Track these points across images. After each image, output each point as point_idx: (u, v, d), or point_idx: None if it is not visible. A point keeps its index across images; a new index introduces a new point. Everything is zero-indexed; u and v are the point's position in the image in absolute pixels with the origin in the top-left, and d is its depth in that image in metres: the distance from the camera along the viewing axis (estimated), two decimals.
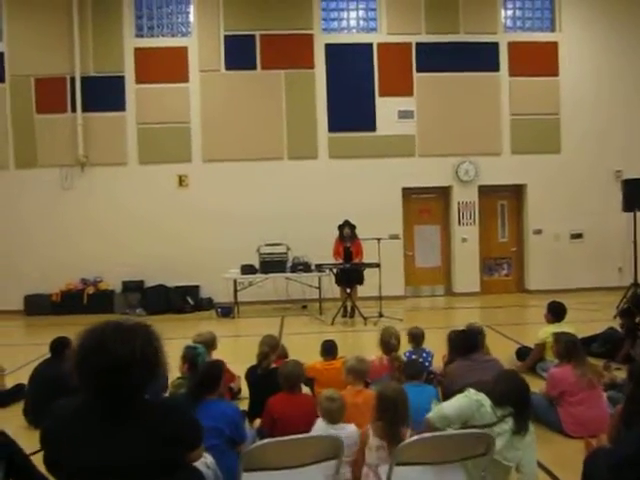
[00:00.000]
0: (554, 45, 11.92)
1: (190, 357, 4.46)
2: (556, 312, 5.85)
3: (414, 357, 5.13)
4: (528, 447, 3.11)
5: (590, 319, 8.25)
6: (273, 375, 4.03)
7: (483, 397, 3.08)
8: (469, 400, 3.03)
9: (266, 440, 2.55)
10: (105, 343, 1.90)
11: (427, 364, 5.17)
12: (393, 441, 2.80)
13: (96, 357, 1.88)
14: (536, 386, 5.02)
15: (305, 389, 4.85)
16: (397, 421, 2.86)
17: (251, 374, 4.61)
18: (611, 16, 11.82)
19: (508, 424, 3.00)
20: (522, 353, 6.21)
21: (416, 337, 5.29)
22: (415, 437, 2.52)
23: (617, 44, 11.86)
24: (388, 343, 4.87)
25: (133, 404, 1.95)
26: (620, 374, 5.54)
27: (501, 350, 6.40)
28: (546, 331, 5.74)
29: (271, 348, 4.60)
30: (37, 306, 11.09)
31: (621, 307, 7.17)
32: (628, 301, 8.80)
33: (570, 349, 4.43)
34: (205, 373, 3.51)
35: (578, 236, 11.95)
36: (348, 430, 3.32)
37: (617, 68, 11.88)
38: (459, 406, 3.01)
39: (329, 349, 4.90)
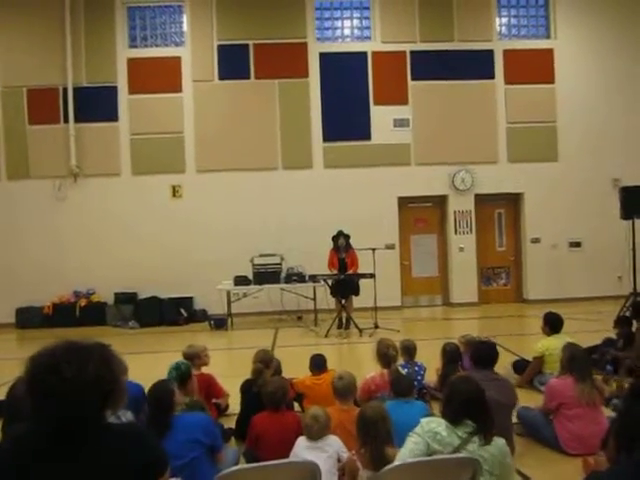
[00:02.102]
0: (549, 52, 11.86)
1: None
2: (552, 324, 5.69)
3: (407, 371, 4.98)
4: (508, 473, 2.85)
5: (589, 329, 8.10)
6: None
7: (436, 422, 2.83)
8: (418, 437, 2.76)
9: (238, 466, 2.40)
10: (56, 365, 1.75)
11: (419, 378, 5.02)
12: (380, 465, 2.65)
13: (47, 380, 1.74)
14: (533, 400, 4.89)
15: (295, 405, 4.73)
16: (380, 442, 2.71)
17: (247, 390, 4.44)
18: (607, 22, 11.77)
19: (476, 443, 2.74)
20: (519, 366, 6.05)
21: (408, 350, 5.13)
22: (397, 462, 2.38)
23: (613, 50, 11.79)
24: (386, 355, 4.70)
25: (89, 430, 1.80)
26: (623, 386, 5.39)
27: (498, 362, 6.24)
28: (543, 344, 5.59)
29: (265, 364, 4.44)
30: (29, 319, 10.96)
31: (618, 315, 7.02)
32: (628, 309, 8.66)
33: (573, 362, 4.25)
34: (154, 395, 3.38)
35: (576, 245, 11.82)
36: (329, 440, 3.30)
37: (613, 74, 11.80)
38: (412, 449, 2.73)
39: (318, 364, 4.74)
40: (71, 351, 1.80)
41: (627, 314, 8.01)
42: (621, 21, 11.79)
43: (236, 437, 4.38)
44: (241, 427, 4.32)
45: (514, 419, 4.52)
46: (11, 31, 11.31)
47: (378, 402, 3.38)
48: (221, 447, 3.41)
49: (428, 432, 2.75)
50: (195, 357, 4.90)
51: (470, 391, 2.86)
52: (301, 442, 3.36)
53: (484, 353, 4.27)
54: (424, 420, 2.84)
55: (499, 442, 2.77)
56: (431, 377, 5.29)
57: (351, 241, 9.74)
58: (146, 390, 4.63)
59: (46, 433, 1.79)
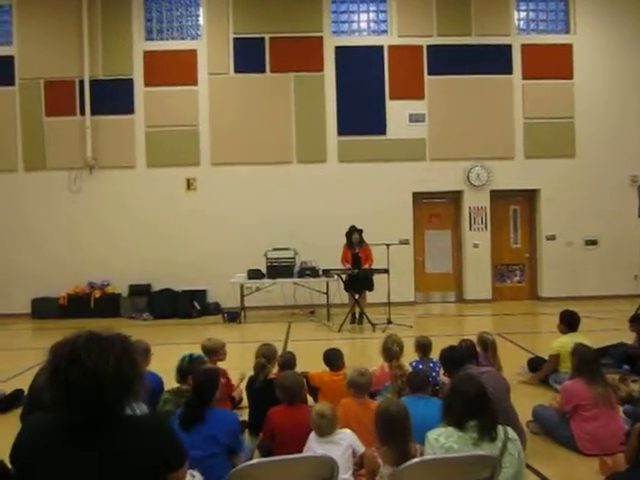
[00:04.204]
0: (568, 47, 11.70)
1: (178, 367, 4.33)
2: (569, 322, 5.64)
3: (421, 367, 4.95)
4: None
5: (604, 328, 8.02)
6: (272, 386, 3.89)
7: (444, 435, 2.74)
8: (435, 451, 2.70)
9: (255, 460, 2.40)
10: (77, 355, 1.76)
11: (434, 374, 4.98)
12: (404, 462, 2.62)
13: (68, 370, 1.74)
14: (548, 399, 4.85)
15: (309, 399, 4.72)
16: (405, 440, 2.71)
17: (250, 386, 4.46)
18: (626, 18, 11.59)
19: (488, 442, 2.69)
20: (534, 364, 6.00)
21: (423, 346, 5.09)
22: (417, 459, 2.37)
23: (632, 46, 11.61)
24: (390, 350, 4.73)
25: (108, 421, 1.81)
26: (637, 386, 5.33)
27: (513, 360, 6.22)
28: (560, 342, 5.53)
29: (268, 358, 4.44)
30: (44, 309, 11.06)
31: (633, 314, 6.95)
32: None
33: (583, 365, 4.21)
34: (199, 383, 3.38)
35: (592, 242, 11.68)
36: (342, 434, 3.31)
37: (632, 71, 11.63)
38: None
39: (334, 359, 4.72)
40: (92, 342, 1.81)
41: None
42: None
43: (250, 431, 4.39)
44: (254, 422, 4.33)
45: (529, 417, 4.51)
46: (29, 23, 11.38)
47: (398, 399, 3.38)
48: (240, 451, 3.41)
49: (440, 449, 2.70)
50: (214, 352, 4.92)
51: (472, 392, 2.81)
52: (314, 436, 3.36)
53: (457, 355, 4.24)
54: (431, 436, 2.77)
55: (515, 444, 2.72)
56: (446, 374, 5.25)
57: (365, 236, 9.71)
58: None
59: (66, 422, 1.80)
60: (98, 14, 11.37)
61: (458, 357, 4.18)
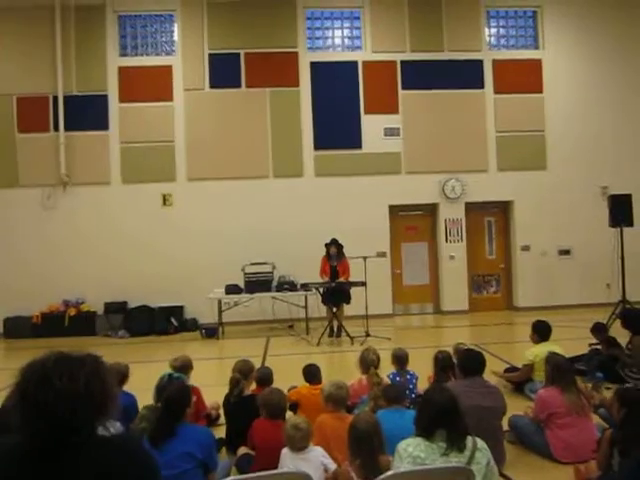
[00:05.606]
0: (538, 62, 12.00)
1: (156, 386, 4.29)
2: (541, 332, 5.73)
3: (399, 379, 4.98)
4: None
5: (579, 337, 8.13)
6: (248, 402, 3.87)
7: (412, 445, 2.76)
8: (400, 464, 2.71)
9: (231, 477, 2.39)
10: (47, 376, 1.74)
11: (411, 386, 5.02)
12: (373, 475, 2.64)
13: (37, 392, 1.72)
14: (524, 408, 4.90)
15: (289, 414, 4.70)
16: (374, 453, 2.71)
17: (226, 403, 4.44)
18: (594, 33, 11.94)
19: (455, 453, 2.71)
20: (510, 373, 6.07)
21: (400, 359, 5.14)
22: (390, 472, 2.38)
23: (601, 61, 11.96)
24: (366, 359, 4.76)
25: (78, 442, 1.78)
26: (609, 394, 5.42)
27: (489, 370, 6.25)
28: (533, 351, 5.62)
29: (243, 374, 4.42)
30: (17, 329, 10.83)
31: (593, 324, 7.10)
32: (617, 317, 8.70)
33: (556, 373, 4.29)
34: (169, 398, 3.35)
35: (566, 252, 11.91)
36: (314, 452, 3.30)
37: (601, 84, 11.96)
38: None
39: (313, 374, 4.73)
40: (62, 362, 1.79)
41: (604, 321, 7.99)
42: (608, 32, 11.94)
43: (227, 448, 4.35)
44: (230, 439, 4.30)
45: (505, 426, 4.55)
46: (1, 38, 11.26)
47: (369, 413, 3.39)
48: (215, 467, 3.37)
49: (407, 457, 2.72)
50: (185, 369, 4.88)
51: (443, 402, 2.83)
52: (287, 453, 3.35)
53: (470, 362, 4.28)
54: (401, 446, 2.79)
55: (483, 453, 2.75)
56: (423, 385, 5.28)
57: (343, 250, 9.73)
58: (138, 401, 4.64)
59: (35, 445, 1.77)
60: (72, 29, 11.31)
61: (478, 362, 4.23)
